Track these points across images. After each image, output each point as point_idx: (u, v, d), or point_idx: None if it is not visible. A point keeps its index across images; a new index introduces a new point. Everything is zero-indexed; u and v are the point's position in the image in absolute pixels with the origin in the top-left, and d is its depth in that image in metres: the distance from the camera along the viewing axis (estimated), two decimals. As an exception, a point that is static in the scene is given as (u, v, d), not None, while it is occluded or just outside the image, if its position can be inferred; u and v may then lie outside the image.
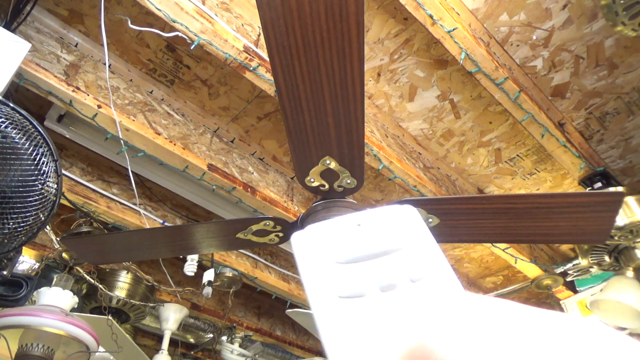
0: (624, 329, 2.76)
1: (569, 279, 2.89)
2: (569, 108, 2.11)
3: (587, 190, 2.34)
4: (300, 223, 1.30)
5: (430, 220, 1.24)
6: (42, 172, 1.22)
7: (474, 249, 2.91)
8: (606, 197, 1.16)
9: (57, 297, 1.82)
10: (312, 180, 1.19)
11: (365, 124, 2.02)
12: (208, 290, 2.29)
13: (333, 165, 1.15)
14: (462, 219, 1.22)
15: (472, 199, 1.20)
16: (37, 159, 1.21)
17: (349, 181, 1.19)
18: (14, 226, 1.22)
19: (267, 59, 1.67)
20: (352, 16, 0.88)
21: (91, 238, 1.49)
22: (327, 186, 1.21)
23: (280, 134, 2.19)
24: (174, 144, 1.86)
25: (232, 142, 2.18)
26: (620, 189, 2.25)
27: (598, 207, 1.16)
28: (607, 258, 2.29)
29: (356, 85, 0.98)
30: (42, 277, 2.13)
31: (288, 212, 2.19)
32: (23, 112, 1.23)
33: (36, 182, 1.22)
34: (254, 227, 1.35)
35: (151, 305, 2.46)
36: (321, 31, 0.90)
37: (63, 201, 1.93)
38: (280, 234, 1.37)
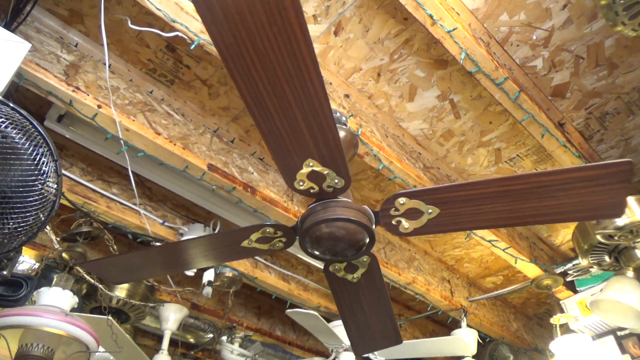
0: (624, 329, 2.76)
1: (569, 279, 2.89)
2: (569, 108, 2.11)
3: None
4: (300, 224, 1.30)
5: (430, 211, 1.23)
6: (42, 172, 1.22)
7: (474, 249, 2.91)
8: (612, 168, 1.09)
9: (57, 297, 1.82)
10: (301, 183, 1.21)
11: (365, 123, 2.03)
12: (208, 290, 2.30)
13: (317, 167, 1.17)
14: (462, 206, 1.21)
15: (468, 185, 1.18)
16: (37, 159, 1.21)
17: (336, 181, 1.21)
18: (14, 226, 1.22)
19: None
20: (293, 20, 0.89)
21: (111, 260, 1.53)
22: (317, 188, 1.23)
23: (280, 134, 2.19)
24: (174, 144, 1.86)
25: (232, 142, 2.18)
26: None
27: (605, 179, 1.09)
28: (607, 258, 2.29)
29: (315, 85, 0.99)
30: (42, 277, 2.13)
31: (288, 212, 2.19)
32: (23, 112, 1.23)
33: (36, 182, 1.22)
34: (255, 236, 1.37)
35: (151, 305, 2.46)
36: (269, 38, 0.92)
37: (63, 201, 1.93)
38: (283, 239, 1.38)
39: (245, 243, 1.39)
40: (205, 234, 2.20)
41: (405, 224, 1.28)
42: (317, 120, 1.05)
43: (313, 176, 1.19)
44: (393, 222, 1.29)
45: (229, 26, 0.91)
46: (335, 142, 1.10)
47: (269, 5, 0.88)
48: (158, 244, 2.26)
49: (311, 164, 1.16)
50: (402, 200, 1.23)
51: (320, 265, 2.65)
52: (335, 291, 1.55)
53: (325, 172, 1.18)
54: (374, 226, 1.29)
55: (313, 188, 1.23)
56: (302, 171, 1.18)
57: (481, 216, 1.23)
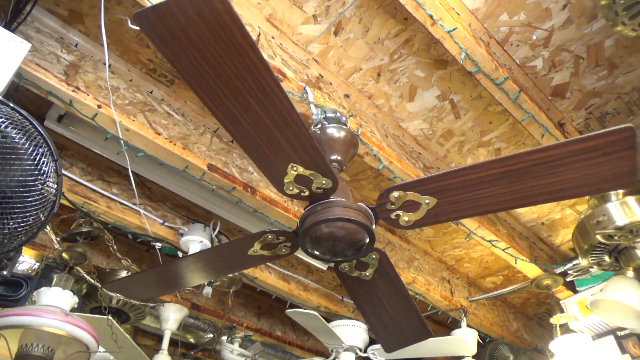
0: (624, 329, 2.76)
1: (569, 279, 2.88)
2: (569, 108, 2.11)
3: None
4: (300, 224, 1.30)
5: (427, 201, 1.22)
6: (42, 172, 1.22)
7: (474, 249, 2.91)
8: (612, 136, 1.02)
9: (57, 297, 1.82)
10: (290, 188, 1.24)
11: (365, 123, 2.03)
12: (208, 290, 2.30)
13: (300, 170, 1.19)
14: (460, 193, 1.19)
15: (462, 171, 1.15)
16: (37, 159, 1.21)
17: (323, 182, 1.22)
18: (14, 226, 1.22)
19: (267, 59, 1.67)
20: (235, 31, 0.91)
21: (130, 279, 1.60)
22: (307, 191, 1.25)
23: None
24: (174, 144, 1.86)
25: (232, 142, 2.18)
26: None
27: (608, 148, 1.03)
28: (607, 258, 2.29)
29: (276, 92, 1.01)
30: (42, 277, 2.13)
31: (288, 212, 2.19)
32: (23, 112, 1.23)
33: (36, 182, 1.22)
34: (258, 243, 1.38)
35: (151, 305, 2.46)
36: (219, 54, 0.94)
37: (63, 201, 1.93)
38: (288, 244, 1.39)
39: (251, 251, 1.41)
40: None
41: (405, 217, 1.27)
42: (288, 126, 1.08)
43: (300, 180, 1.21)
44: (392, 217, 1.28)
45: (180, 47, 0.94)
46: (311, 144, 1.12)
47: (208, 19, 0.89)
48: (159, 244, 2.26)
49: (295, 168, 1.18)
50: (396, 193, 1.23)
51: (320, 265, 2.65)
52: (351, 291, 1.54)
53: (310, 175, 1.20)
54: (374, 226, 1.29)
55: (303, 191, 1.24)
56: (288, 176, 1.21)
57: (481, 201, 1.20)
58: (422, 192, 1.21)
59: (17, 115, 1.22)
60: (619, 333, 2.82)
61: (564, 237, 2.84)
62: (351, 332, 2.60)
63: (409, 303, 1.57)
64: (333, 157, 1.52)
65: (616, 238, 2.13)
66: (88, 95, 1.67)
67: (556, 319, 2.72)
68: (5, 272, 1.66)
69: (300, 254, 2.59)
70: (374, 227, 1.29)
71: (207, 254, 1.46)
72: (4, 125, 1.16)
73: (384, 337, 1.75)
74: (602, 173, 1.08)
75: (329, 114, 1.65)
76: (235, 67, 0.96)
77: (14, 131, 1.18)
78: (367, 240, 1.28)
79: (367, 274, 1.45)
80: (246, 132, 1.10)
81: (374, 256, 1.39)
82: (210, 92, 1.02)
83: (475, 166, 1.13)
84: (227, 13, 0.88)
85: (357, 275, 1.46)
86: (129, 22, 1.60)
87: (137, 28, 1.61)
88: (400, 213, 1.27)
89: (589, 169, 1.08)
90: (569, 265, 2.81)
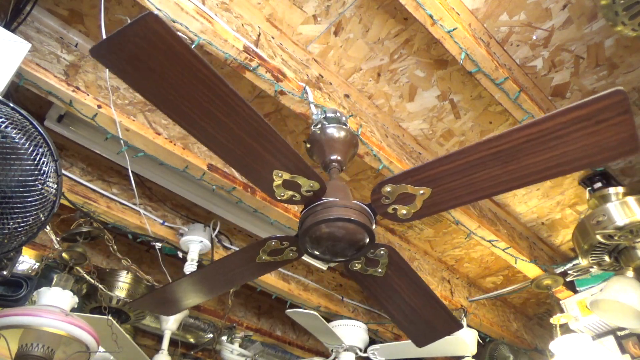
0: (624, 329, 2.76)
1: (569, 279, 2.88)
2: (569, 108, 2.10)
3: (587, 189, 2.34)
4: (300, 224, 1.30)
5: (421, 192, 1.20)
6: (42, 172, 1.22)
7: (474, 249, 2.91)
8: (603, 102, 0.95)
9: (57, 297, 1.82)
10: (282, 194, 1.25)
11: (365, 123, 2.03)
12: (208, 290, 2.29)
13: (286, 176, 1.21)
14: (453, 179, 1.16)
15: (450, 157, 1.12)
16: (37, 159, 1.21)
17: (311, 184, 1.23)
18: (14, 226, 1.22)
19: (267, 59, 1.67)
20: (185, 53, 0.93)
21: (153, 295, 1.64)
22: (298, 195, 1.26)
23: (280, 134, 2.18)
24: (174, 144, 1.86)
25: (232, 142, 2.18)
26: (620, 189, 2.25)
27: (602, 115, 0.97)
28: (607, 258, 2.29)
29: (239, 105, 1.03)
30: (42, 277, 2.13)
31: (288, 212, 2.19)
32: (23, 112, 1.23)
33: (36, 182, 1.22)
34: (264, 251, 1.39)
35: (151, 305, 2.45)
36: (176, 74, 0.97)
37: (63, 201, 1.93)
38: (294, 248, 1.39)
39: (258, 259, 1.42)
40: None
41: (402, 210, 1.26)
42: (262, 135, 1.10)
43: (288, 185, 1.23)
44: (389, 211, 1.27)
45: (140, 74, 0.97)
46: (288, 150, 1.14)
47: (154, 43, 0.91)
48: (159, 244, 2.26)
49: (280, 175, 1.20)
50: (388, 187, 1.22)
51: (320, 265, 2.65)
52: (368, 290, 1.53)
53: (295, 179, 1.21)
54: (374, 223, 1.29)
55: (295, 196, 1.26)
56: (276, 183, 1.22)
57: (478, 185, 1.16)
58: (415, 182, 1.19)
59: (17, 115, 1.22)
60: (619, 333, 2.82)
61: (564, 237, 2.84)
62: (351, 332, 2.60)
63: (429, 295, 1.53)
64: (333, 157, 1.52)
65: (616, 238, 2.13)
66: (88, 95, 1.67)
67: (556, 319, 2.72)
68: (5, 272, 1.66)
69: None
70: (374, 224, 1.29)
71: (218, 266, 1.48)
72: (4, 125, 1.16)
73: (413, 332, 1.72)
74: (601, 142, 1.01)
75: (329, 114, 1.65)
76: (195, 86, 0.99)
77: (14, 131, 1.18)
78: (367, 237, 1.28)
79: (380, 270, 1.43)
80: (225, 147, 1.13)
81: (382, 252, 1.38)
82: (182, 114, 1.05)
83: (464, 150, 1.10)
84: (168, 34, 0.90)
85: (371, 273, 1.44)
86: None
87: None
88: (397, 206, 1.26)
89: (585, 139, 1.01)
90: (569, 265, 2.81)
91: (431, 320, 1.64)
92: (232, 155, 1.15)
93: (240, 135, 1.09)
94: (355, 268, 1.43)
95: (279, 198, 1.26)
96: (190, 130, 1.09)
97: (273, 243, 1.37)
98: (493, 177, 1.13)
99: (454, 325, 1.67)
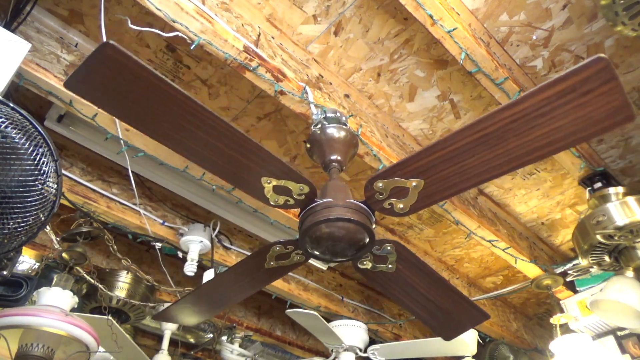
0: (624, 329, 2.76)
1: (569, 279, 2.88)
2: (569, 108, 2.10)
3: (587, 189, 2.34)
4: (300, 224, 1.30)
5: (414, 184, 1.19)
6: (42, 172, 1.22)
7: (474, 249, 2.91)
8: (587, 70, 0.90)
9: (57, 297, 1.82)
10: (276, 200, 1.26)
11: (365, 123, 2.03)
12: (208, 290, 2.29)
13: (274, 182, 1.22)
14: (444, 168, 1.14)
15: (436, 146, 1.10)
16: (37, 159, 1.21)
17: (301, 188, 1.24)
18: (14, 226, 1.22)
19: (267, 59, 1.67)
20: (149, 76, 0.96)
21: (177, 306, 1.66)
22: (291, 200, 1.27)
23: (280, 134, 2.19)
24: (174, 144, 1.86)
25: (232, 142, 2.18)
26: (620, 189, 2.25)
27: (587, 85, 0.92)
28: (607, 258, 2.29)
29: (213, 119, 1.06)
30: (42, 277, 2.13)
31: (288, 212, 2.19)
32: (23, 112, 1.23)
33: (36, 182, 1.22)
34: (271, 256, 1.40)
35: (151, 305, 2.46)
36: (151, 98, 1.00)
37: (63, 201, 1.93)
38: (299, 252, 1.40)
39: (267, 265, 1.43)
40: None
41: (398, 204, 1.25)
42: (240, 145, 1.12)
43: (279, 190, 1.24)
44: (385, 206, 1.27)
45: (115, 101, 1.01)
46: (270, 156, 1.15)
47: (118, 70, 0.95)
48: (159, 244, 2.26)
49: (269, 181, 1.21)
50: (379, 183, 1.22)
51: (320, 265, 2.65)
52: (382, 287, 1.51)
53: (285, 184, 1.22)
54: (373, 220, 1.29)
55: (288, 200, 1.27)
56: (266, 190, 1.23)
57: (470, 172, 1.13)
58: (406, 175, 1.18)
59: (17, 115, 1.22)
60: (619, 333, 2.82)
61: (564, 237, 2.84)
62: (351, 332, 2.60)
63: (447, 286, 1.49)
64: (333, 157, 1.52)
65: (616, 238, 2.13)
66: (88, 95, 1.67)
67: (556, 319, 2.72)
68: (5, 272, 1.66)
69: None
70: (372, 221, 1.28)
71: (229, 275, 1.50)
72: (4, 125, 1.16)
73: (437, 326, 1.68)
74: (592, 114, 0.97)
75: (329, 114, 1.65)
76: (166, 106, 1.01)
77: (14, 131, 1.18)
78: (366, 235, 1.27)
79: (390, 266, 1.41)
80: (211, 160, 1.15)
81: (388, 248, 1.36)
82: (165, 135, 1.09)
83: (450, 137, 1.07)
84: (128, 61, 0.93)
85: (382, 270, 1.42)
86: (129, 22, 1.59)
87: (138, 28, 1.61)
88: (392, 201, 1.25)
89: (573, 113, 0.97)
90: (569, 265, 2.80)
91: (454, 312, 1.58)
92: (220, 167, 1.18)
93: (221, 148, 1.12)
94: (364, 266, 1.41)
95: (273, 204, 1.27)
96: (178, 149, 1.12)
97: (277, 248, 1.38)
98: (484, 162, 1.10)
99: (479, 316, 1.61)
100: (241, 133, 1.09)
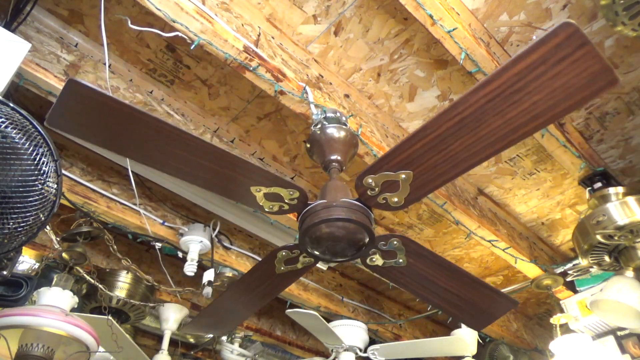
0: (624, 329, 2.76)
1: (569, 279, 2.88)
2: (569, 108, 2.10)
3: (587, 189, 2.34)
4: (300, 224, 1.30)
5: (403, 176, 1.19)
6: (42, 172, 1.22)
7: (474, 249, 2.91)
8: (555, 38, 0.86)
9: (57, 297, 1.82)
10: (271, 207, 1.28)
11: (365, 123, 2.03)
12: (208, 290, 2.29)
13: (264, 189, 1.23)
14: (429, 157, 1.13)
15: (415, 136, 1.09)
16: (37, 159, 1.21)
17: (291, 193, 1.25)
18: (14, 226, 1.22)
19: (267, 59, 1.67)
20: (117, 105, 1.00)
21: (200, 318, 1.72)
22: (285, 205, 1.28)
23: (280, 134, 2.19)
24: (174, 144, 1.86)
25: (232, 142, 2.18)
26: (620, 189, 2.25)
27: (559, 54, 0.88)
28: (607, 258, 2.29)
29: (187, 138, 1.08)
30: (42, 277, 2.13)
31: (288, 212, 2.19)
32: (23, 112, 1.23)
33: (36, 182, 1.22)
34: (279, 261, 1.42)
35: (151, 305, 2.46)
36: (126, 125, 1.04)
37: (63, 201, 1.93)
38: (305, 254, 1.40)
39: (277, 269, 1.44)
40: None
41: (392, 198, 1.25)
42: (221, 160, 1.14)
43: (271, 197, 1.26)
44: (380, 201, 1.27)
45: (93, 132, 1.06)
46: (252, 166, 1.18)
47: (88, 104, 0.98)
48: (159, 244, 2.26)
49: (258, 189, 1.23)
50: (368, 179, 1.22)
51: (320, 265, 2.65)
52: (395, 282, 1.49)
53: (274, 191, 1.23)
54: (372, 221, 1.29)
55: (283, 206, 1.28)
56: (258, 198, 1.25)
57: (456, 158, 1.11)
58: (393, 168, 1.18)
59: (17, 115, 1.22)
60: (619, 333, 2.81)
61: (564, 237, 2.84)
62: (351, 332, 2.60)
63: (463, 274, 1.46)
64: (333, 157, 1.52)
65: (616, 238, 2.13)
66: (88, 95, 1.67)
67: (556, 319, 2.72)
68: (5, 272, 1.66)
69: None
70: (371, 218, 1.28)
71: (245, 283, 1.52)
72: (4, 125, 1.16)
73: (465, 317, 1.64)
74: (570, 82, 0.92)
75: (329, 114, 1.65)
76: (145, 132, 1.05)
77: (14, 131, 1.18)
78: (364, 232, 1.27)
79: (400, 260, 1.39)
80: (201, 177, 1.19)
81: (395, 242, 1.35)
82: (153, 160, 1.12)
83: (428, 125, 1.06)
84: (94, 94, 0.96)
85: (393, 265, 1.41)
86: (129, 22, 1.60)
87: (138, 28, 1.61)
88: (386, 195, 1.25)
89: (550, 85, 0.92)
90: (569, 265, 2.80)
91: (480, 302, 1.54)
92: (210, 183, 1.21)
93: (205, 165, 1.14)
94: (374, 263, 1.40)
95: (268, 210, 1.29)
96: (169, 171, 1.16)
97: (284, 253, 1.39)
98: (468, 146, 1.08)
99: (508, 303, 1.57)
100: (220, 149, 1.12)
